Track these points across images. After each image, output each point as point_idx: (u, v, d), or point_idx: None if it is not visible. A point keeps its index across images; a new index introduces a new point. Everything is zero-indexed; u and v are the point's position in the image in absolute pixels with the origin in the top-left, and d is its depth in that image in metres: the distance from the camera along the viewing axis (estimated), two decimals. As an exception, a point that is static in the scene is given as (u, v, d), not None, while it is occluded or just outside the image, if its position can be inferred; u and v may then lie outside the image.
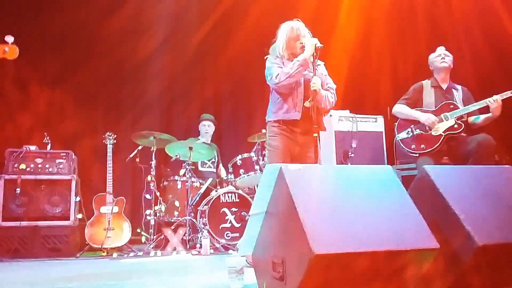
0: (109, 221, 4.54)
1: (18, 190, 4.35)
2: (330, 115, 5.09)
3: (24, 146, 4.63)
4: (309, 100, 3.30)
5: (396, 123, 4.13)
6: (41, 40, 5.76)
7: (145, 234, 4.77)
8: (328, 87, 3.48)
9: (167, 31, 6.27)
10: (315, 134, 3.20)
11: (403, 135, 4.00)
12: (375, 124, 5.23)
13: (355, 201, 2.07)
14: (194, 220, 4.61)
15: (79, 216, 4.66)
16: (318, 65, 3.32)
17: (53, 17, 5.80)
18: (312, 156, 3.32)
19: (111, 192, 4.65)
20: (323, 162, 4.72)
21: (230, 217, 4.61)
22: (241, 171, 4.82)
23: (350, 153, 4.85)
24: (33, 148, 4.65)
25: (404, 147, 3.98)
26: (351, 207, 2.03)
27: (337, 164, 4.82)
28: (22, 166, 4.49)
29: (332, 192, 2.11)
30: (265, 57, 3.50)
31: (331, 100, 3.45)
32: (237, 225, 4.59)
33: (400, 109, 4.09)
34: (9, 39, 2.29)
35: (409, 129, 3.98)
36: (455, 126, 3.84)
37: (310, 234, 1.80)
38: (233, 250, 4.37)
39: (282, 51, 3.39)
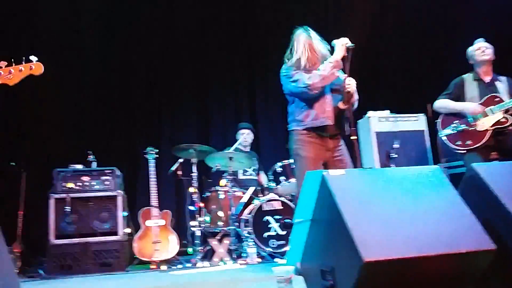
0: (156, 234, 4.62)
1: (67, 208, 4.50)
2: (369, 116, 5.00)
3: (71, 165, 4.79)
4: (342, 101, 3.26)
5: (439, 120, 4.00)
6: (81, 60, 5.99)
7: (192, 246, 4.82)
8: None
9: (198, 42, 6.38)
10: (354, 137, 3.16)
11: (447, 131, 3.87)
12: (417, 122, 5.09)
13: (403, 204, 2.02)
14: (238, 229, 4.62)
15: (127, 230, 4.76)
16: (349, 61, 3.19)
17: (94, 40, 6.03)
18: (344, 159, 3.27)
19: (156, 205, 4.74)
20: (365, 166, 4.65)
21: (274, 225, 4.60)
22: (282, 178, 4.82)
23: (392, 154, 4.74)
24: (79, 167, 4.80)
25: (449, 144, 3.85)
26: (399, 211, 1.97)
27: (380, 166, 4.72)
28: (70, 185, 4.64)
29: (378, 196, 2.06)
30: (283, 67, 3.38)
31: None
32: (282, 233, 4.57)
33: (443, 104, 3.95)
34: (34, 58, 2.43)
35: (454, 125, 3.85)
36: (502, 119, 3.68)
37: (359, 240, 1.77)
38: (280, 258, 4.35)
39: (304, 62, 3.28)
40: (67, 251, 4.38)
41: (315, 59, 3.30)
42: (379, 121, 5.02)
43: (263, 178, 5.54)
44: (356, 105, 3.38)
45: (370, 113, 5.04)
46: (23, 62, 2.42)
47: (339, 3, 6.62)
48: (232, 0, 6.49)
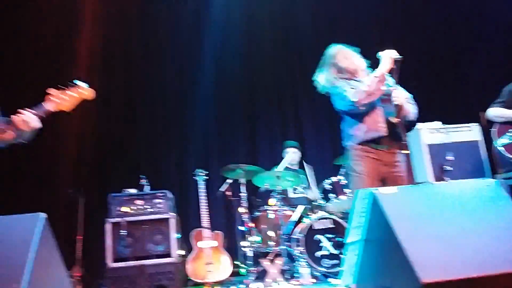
0: (208, 255, 4.66)
1: (123, 232, 4.63)
2: (419, 129, 4.86)
3: (125, 190, 4.95)
4: (393, 115, 3.19)
5: (495, 129, 3.84)
6: (133, 87, 6.24)
7: (244, 266, 4.82)
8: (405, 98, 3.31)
9: (244, 61, 6.49)
10: (406, 151, 3.08)
11: (504, 140, 3.71)
12: (470, 133, 4.86)
13: (460, 221, 1.94)
14: (290, 249, 4.58)
15: (181, 252, 4.83)
16: (396, 73, 3.11)
17: (145, 67, 6.26)
18: (402, 175, 3.18)
19: (208, 226, 4.79)
20: (418, 180, 4.50)
21: (327, 244, 4.52)
22: (331, 195, 4.75)
23: (447, 167, 4.56)
24: (133, 191, 4.95)
25: (506, 154, 3.68)
26: (457, 229, 1.90)
27: (434, 180, 4.55)
28: (125, 209, 4.78)
29: (433, 214, 1.99)
30: (325, 86, 3.35)
31: (415, 111, 3.30)
32: (335, 252, 4.48)
33: (498, 112, 3.79)
34: (83, 84, 2.56)
35: (510, 134, 3.67)
36: None
37: (415, 261, 1.71)
38: (334, 278, 4.26)
39: (340, 70, 3.26)
40: (124, 274, 4.49)
41: (351, 68, 3.27)
42: (430, 132, 4.85)
43: (311, 194, 5.44)
44: (411, 117, 3.29)
45: (420, 125, 4.89)
46: (75, 88, 2.54)
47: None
48: (275, 20, 6.57)
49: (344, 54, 3.30)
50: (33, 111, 2.46)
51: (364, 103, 3.09)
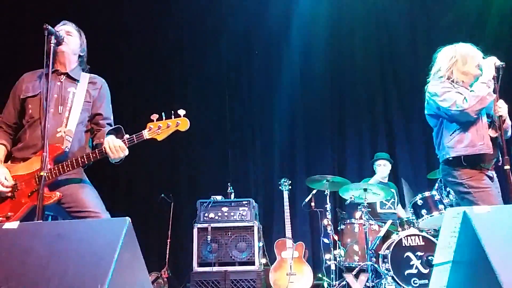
0: (290, 266, 4.62)
1: (209, 237, 4.76)
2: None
3: (212, 196, 5.10)
4: (493, 127, 2.93)
5: None
6: (226, 100, 6.42)
7: (327, 280, 4.70)
8: None
9: (332, 69, 6.39)
10: (507, 167, 2.80)
11: None
12: None
13: None
14: (376, 265, 4.39)
15: (263, 261, 4.85)
16: (499, 82, 2.88)
17: (234, 83, 6.45)
18: (499, 193, 2.90)
19: (291, 237, 4.76)
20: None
21: (416, 262, 4.25)
22: (423, 211, 4.46)
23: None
24: (219, 198, 5.08)
25: None
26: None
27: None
28: (211, 215, 4.92)
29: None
30: (428, 82, 3.15)
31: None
32: (425, 271, 4.20)
33: None
34: (182, 112, 2.54)
35: None
36: None
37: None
38: (422, 299, 4.00)
39: (450, 72, 3.03)
40: (208, 279, 4.60)
41: (462, 76, 3.03)
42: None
43: (401, 211, 5.22)
44: (510, 132, 3.02)
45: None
46: (172, 117, 2.55)
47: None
48: (366, 28, 6.39)
49: (464, 58, 3.04)
50: (129, 139, 2.54)
51: (476, 109, 2.85)
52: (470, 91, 2.92)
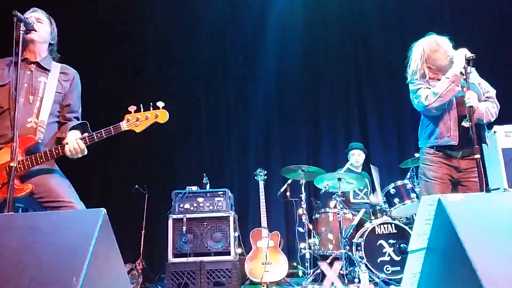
0: (266, 255, 4.64)
1: (184, 228, 4.73)
2: (494, 132, 4.53)
3: (187, 187, 5.06)
4: (465, 119, 2.99)
5: None
6: (199, 89, 6.36)
7: (302, 268, 4.76)
8: (486, 97, 3.09)
9: (307, 61, 6.41)
10: (477, 156, 2.86)
11: None
12: (550, 135, 4.48)
13: (537, 234, 1.76)
14: (349, 253, 4.46)
15: (239, 250, 4.86)
16: (469, 73, 2.92)
17: (211, 72, 6.37)
18: (476, 181, 2.97)
19: (266, 226, 4.78)
20: (492, 187, 4.21)
21: (388, 249, 4.35)
22: (396, 200, 4.56)
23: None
24: (194, 188, 5.05)
25: None
26: (533, 242, 1.72)
27: (509, 187, 4.23)
28: (187, 205, 4.88)
29: (506, 224, 1.82)
30: (407, 82, 3.25)
31: (493, 111, 3.06)
32: (397, 258, 4.30)
33: None
34: (161, 104, 2.53)
35: None
36: None
37: (485, 276, 1.57)
38: (395, 285, 4.09)
39: (421, 69, 3.10)
40: (183, 269, 4.58)
41: (432, 71, 3.10)
42: (506, 136, 4.51)
43: (373, 198, 5.26)
44: (491, 118, 3.07)
45: (496, 128, 4.56)
46: (151, 108, 2.54)
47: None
48: (340, 21, 6.41)
49: (431, 49, 3.11)
50: (90, 136, 2.51)
51: (434, 106, 2.98)
52: (435, 87, 2.99)
